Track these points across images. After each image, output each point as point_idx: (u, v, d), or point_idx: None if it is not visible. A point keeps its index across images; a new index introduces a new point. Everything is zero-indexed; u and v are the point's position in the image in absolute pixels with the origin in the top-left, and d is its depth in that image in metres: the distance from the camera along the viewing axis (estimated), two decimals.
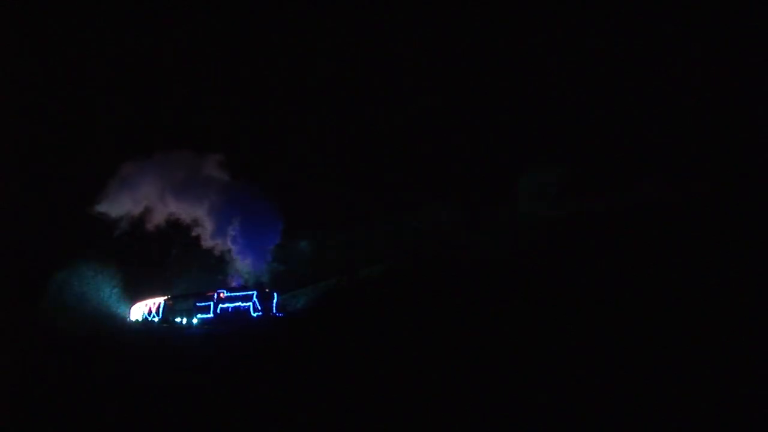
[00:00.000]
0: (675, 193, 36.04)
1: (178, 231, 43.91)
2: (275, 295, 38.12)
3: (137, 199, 43.51)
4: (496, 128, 45.53)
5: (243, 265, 41.04)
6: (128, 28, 51.14)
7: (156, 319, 41.42)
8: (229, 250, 41.23)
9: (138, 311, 42.99)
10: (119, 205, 43.14)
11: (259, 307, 36.94)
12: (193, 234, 43.03)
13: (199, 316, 38.30)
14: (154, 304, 42.10)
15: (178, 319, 39.82)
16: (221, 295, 38.26)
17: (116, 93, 50.92)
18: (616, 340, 20.56)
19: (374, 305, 30.35)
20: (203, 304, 38.52)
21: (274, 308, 37.41)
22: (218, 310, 37.66)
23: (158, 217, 43.70)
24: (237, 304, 37.52)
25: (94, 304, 41.66)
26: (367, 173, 47.37)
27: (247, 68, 51.48)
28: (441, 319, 26.56)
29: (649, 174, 38.56)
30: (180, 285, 44.55)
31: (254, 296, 37.32)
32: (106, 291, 42.88)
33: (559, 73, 46.33)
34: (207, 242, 42.19)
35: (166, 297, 41.99)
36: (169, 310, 40.88)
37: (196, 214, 42.83)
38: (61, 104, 49.08)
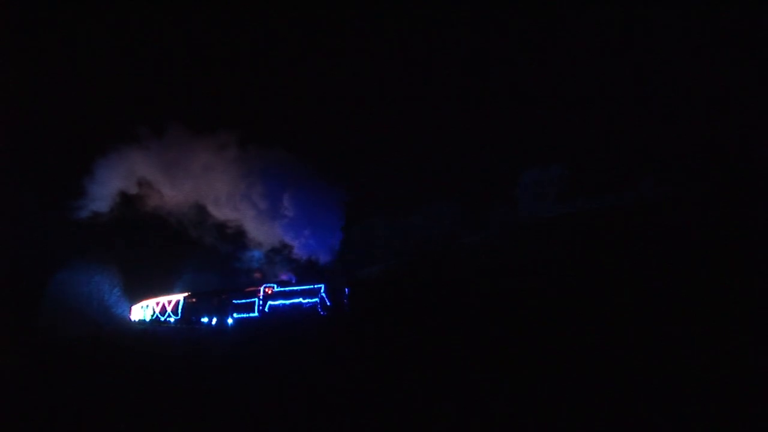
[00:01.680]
0: (675, 193, 36.11)
1: (190, 221, 39.13)
2: (346, 289, 31.96)
3: (135, 184, 38.77)
4: (497, 128, 45.57)
5: (259, 255, 36.68)
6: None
7: (172, 319, 37.47)
8: (243, 244, 36.90)
9: (140, 311, 41.25)
10: (112, 191, 38.60)
11: (329, 304, 30.57)
12: (212, 220, 37.88)
13: (236, 315, 32.74)
14: (169, 302, 38.37)
15: (204, 320, 34.90)
16: (269, 290, 32.24)
17: (120, 88, 49.94)
18: (616, 340, 20.54)
19: (376, 305, 30.23)
20: (243, 301, 32.71)
21: (346, 305, 31.15)
22: (266, 309, 31.64)
23: (163, 205, 39.12)
24: (295, 300, 31.26)
25: (94, 304, 41.09)
26: (366, 173, 47.40)
27: (246, 72, 51.46)
28: (441, 319, 26.54)
29: (649, 174, 38.67)
30: (184, 282, 42.85)
31: (322, 290, 31.01)
32: (106, 291, 42.32)
33: (560, 73, 46.39)
34: (252, 221, 36.28)
35: (186, 293, 38.15)
36: (191, 309, 36.50)
37: (213, 197, 37.62)
38: (60, 102, 48.58)
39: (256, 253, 37.68)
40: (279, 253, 36.72)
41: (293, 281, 34.13)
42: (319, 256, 35.32)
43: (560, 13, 46.12)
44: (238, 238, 37.70)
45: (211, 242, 38.90)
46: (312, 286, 31.48)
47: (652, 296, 24.10)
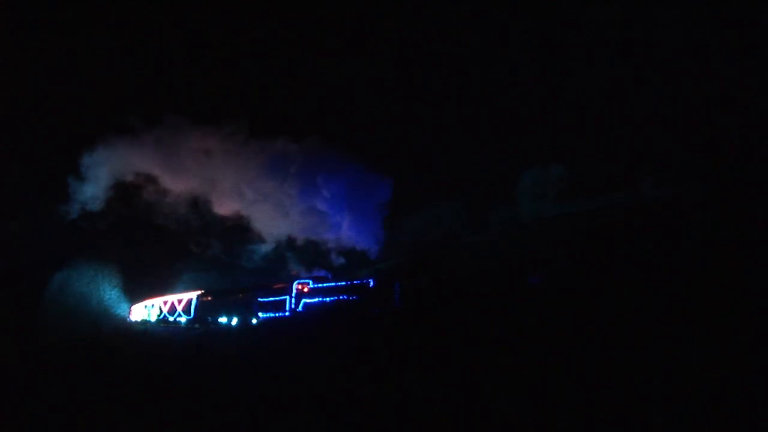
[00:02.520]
0: (675, 193, 36.06)
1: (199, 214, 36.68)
2: (397, 285, 29.02)
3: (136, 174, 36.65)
4: (497, 128, 45.54)
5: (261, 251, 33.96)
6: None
7: (183, 319, 35.71)
8: (253, 241, 34.34)
9: (144, 310, 40.18)
10: (104, 188, 36.61)
11: (379, 302, 27.77)
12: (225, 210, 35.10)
13: (261, 315, 30.56)
14: (179, 300, 36.63)
15: (223, 320, 32.79)
16: (303, 286, 29.74)
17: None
18: (616, 340, 20.56)
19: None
20: (271, 299, 30.38)
21: (397, 301, 28.37)
22: (301, 307, 29.00)
23: (164, 203, 37.05)
24: (336, 297, 28.48)
25: (94, 304, 40.79)
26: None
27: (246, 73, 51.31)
28: (441, 318, 26.53)
29: (649, 174, 38.62)
30: (185, 282, 41.11)
31: (371, 285, 28.43)
32: (106, 291, 42.01)
33: (560, 72, 46.39)
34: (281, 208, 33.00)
35: (199, 291, 36.29)
36: (206, 308, 34.65)
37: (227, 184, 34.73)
38: (60, 99, 47.85)
39: (263, 248, 35.36)
40: (290, 249, 34.64)
41: (329, 277, 31.85)
42: (363, 247, 32.61)
43: (560, 12, 46.12)
44: (246, 234, 35.77)
45: (217, 246, 37.05)
46: (360, 282, 28.79)
47: (652, 296, 24.10)
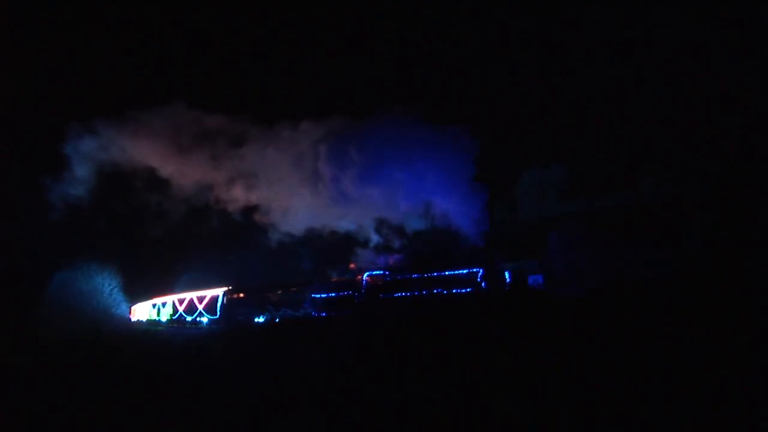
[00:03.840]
0: (675, 193, 36.09)
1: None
2: (507, 273, 25.51)
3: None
4: (496, 128, 45.58)
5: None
6: None
7: (205, 319, 32.65)
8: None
9: (152, 310, 38.87)
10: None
11: (490, 295, 24.49)
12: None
13: (314, 313, 26.71)
14: (200, 299, 33.47)
15: (260, 319, 29.11)
16: (378, 279, 25.39)
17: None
18: (616, 340, 20.57)
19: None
20: (330, 295, 26.27)
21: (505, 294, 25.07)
22: (375, 303, 24.60)
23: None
24: (434, 290, 24.33)
25: (94, 304, 40.67)
26: None
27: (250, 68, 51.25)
28: (441, 318, 26.53)
29: (649, 174, 38.66)
30: (185, 282, 39.63)
31: (480, 275, 24.67)
32: (106, 291, 41.86)
33: (560, 72, 46.43)
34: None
35: (226, 287, 32.70)
36: (235, 306, 31.15)
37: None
38: (60, 98, 47.56)
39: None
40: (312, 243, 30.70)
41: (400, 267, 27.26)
42: (467, 225, 27.70)
43: (560, 12, 46.15)
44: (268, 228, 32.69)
45: (234, 243, 34.26)
46: (464, 271, 24.69)
47: (652, 296, 24.13)
